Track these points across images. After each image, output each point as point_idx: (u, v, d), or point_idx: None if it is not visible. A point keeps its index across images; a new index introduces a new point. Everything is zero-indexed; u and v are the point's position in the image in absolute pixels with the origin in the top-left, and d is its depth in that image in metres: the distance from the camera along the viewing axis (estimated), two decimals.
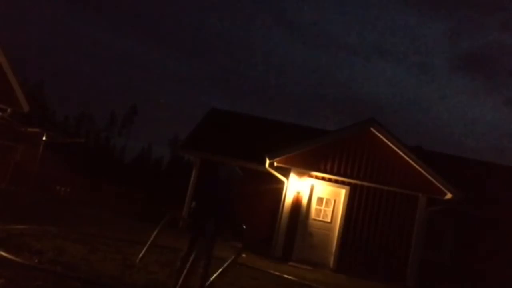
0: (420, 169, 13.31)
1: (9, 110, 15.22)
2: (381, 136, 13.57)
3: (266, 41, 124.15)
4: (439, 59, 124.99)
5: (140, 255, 7.01)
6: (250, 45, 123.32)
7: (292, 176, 13.68)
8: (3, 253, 6.10)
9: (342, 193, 13.66)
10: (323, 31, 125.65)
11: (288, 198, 13.62)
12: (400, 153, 13.44)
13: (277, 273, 9.78)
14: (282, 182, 14.06)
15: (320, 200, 13.82)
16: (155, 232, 6.99)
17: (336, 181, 13.71)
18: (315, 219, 13.58)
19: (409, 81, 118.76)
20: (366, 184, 13.56)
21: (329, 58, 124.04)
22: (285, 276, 9.70)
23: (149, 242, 7.04)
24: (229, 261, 6.39)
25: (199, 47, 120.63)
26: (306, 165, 13.62)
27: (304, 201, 13.54)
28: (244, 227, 6.43)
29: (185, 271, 5.59)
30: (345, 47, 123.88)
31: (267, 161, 13.66)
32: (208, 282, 6.10)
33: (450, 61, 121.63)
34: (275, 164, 13.66)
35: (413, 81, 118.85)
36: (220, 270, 6.28)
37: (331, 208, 13.74)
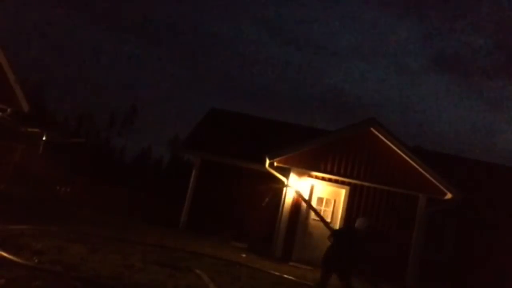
0: (420, 169, 13.30)
1: (9, 110, 15.18)
2: (381, 136, 13.57)
3: (257, 43, 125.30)
4: (415, 60, 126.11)
5: None
6: (245, 46, 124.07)
7: (292, 176, 13.67)
8: (3, 253, 6.10)
9: (342, 193, 13.66)
10: (306, 33, 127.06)
11: (288, 198, 13.62)
12: (400, 153, 13.44)
13: (277, 273, 9.78)
14: (282, 182, 14.05)
15: (320, 200, 13.82)
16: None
17: (336, 181, 13.71)
18: (315, 219, 13.55)
19: (387, 82, 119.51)
20: (366, 184, 13.55)
21: (313, 59, 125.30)
22: (285, 276, 9.70)
23: None
24: None
25: (199, 48, 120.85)
26: (306, 165, 13.62)
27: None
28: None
29: None
30: (326, 49, 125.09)
31: (267, 161, 13.66)
32: None
33: (427, 62, 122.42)
34: (275, 164, 13.66)
35: (392, 82, 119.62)
36: None
37: (331, 208, 13.74)
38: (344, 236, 7.22)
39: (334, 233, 7.54)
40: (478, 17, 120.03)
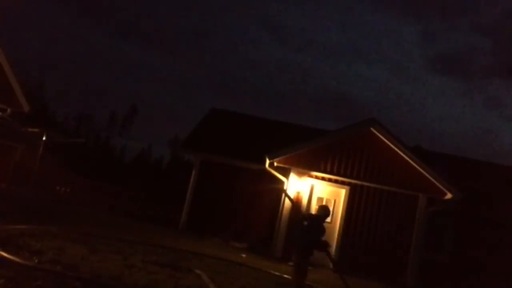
0: (420, 169, 13.30)
1: (9, 110, 15.19)
2: (381, 136, 13.57)
3: (257, 43, 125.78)
4: (415, 60, 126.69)
5: None
6: (245, 46, 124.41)
7: (292, 176, 13.67)
8: (3, 253, 6.10)
9: (342, 193, 13.66)
10: (305, 34, 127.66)
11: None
12: (400, 153, 13.44)
13: (277, 273, 9.77)
14: (282, 182, 14.05)
15: (320, 200, 13.81)
16: None
17: (336, 181, 13.71)
18: None
19: (387, 82, 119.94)
20: (366, 184, 13.55)
21: (313, 59, 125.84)
22: (285, 276, 9.69)
23: None
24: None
25: (199, 48, 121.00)
26: (306, 165, 13.62)
27: (304, 201, 13.54)
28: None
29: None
30: (324, 49, 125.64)
31: (267, 161, 13.65)
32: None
33: (426, 62, 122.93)
34: (275, 164, 13.65)
35: (391, 81, 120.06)
36: None
37: (331, 208, 13.72)
38: (312, 222, 8.01)
39: (307, 218, 8.40)
40: (477, 17, 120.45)
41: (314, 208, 13.73)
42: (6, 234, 7.65)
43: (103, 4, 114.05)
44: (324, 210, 8.18)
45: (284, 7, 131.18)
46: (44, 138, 19.51)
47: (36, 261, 6.26)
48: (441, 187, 13.20)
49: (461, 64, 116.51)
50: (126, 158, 66.46)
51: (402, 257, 13.21)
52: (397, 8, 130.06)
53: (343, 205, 13.54)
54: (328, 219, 13.52)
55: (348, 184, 13.62)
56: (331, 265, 10.59)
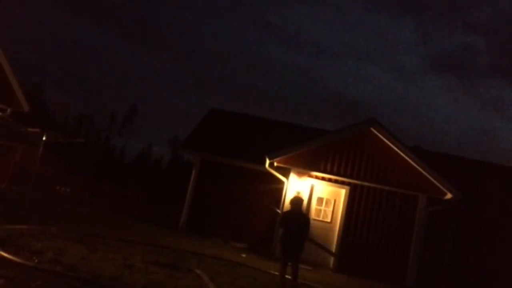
0: (420, 169, 13.30)
1: (9, 110, 15.16)
2: (381, 136, 13.56)
3: (257, 43, 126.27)
4: (412, 60, 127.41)
5: None
6: (245, 47, 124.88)
7: (292, 176, 13.67)
8: (3, 253, 6.10)
9: (342, 193, 13.66)
10: (305, 34, 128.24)
11: (288, 198, 13.58)
12: (400, 153, 13.43)
13: (277, 273, 9.76)
14: (282, 182, 14.05)
15: (320, 200, 13.82)
16: None
17: (336, 181, 13.71)
18: (315, 219, 13.56)
19: (387, 82, 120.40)
20: (366, 184, 13.55)
21: (313, 59, 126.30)
22: (285, 276, 9.68)
23: None
24: None
25: (199, 48, 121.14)
26: (306, 165, 13.61)
27: (304, 201, 13.52)
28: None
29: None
30: (324, 50, 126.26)
31: (267, 161, 13.65)
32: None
33: (424, 62, 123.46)
34: (275, 164, 13.65)
35: (391, 82, 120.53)
36: None
37: (331, 208, 13.74)
38: (290, 217, 8.22)
39: (282, 218, 8.54)
40: (474, 17, 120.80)
41: (314, 209, 13.76)
42: (6, 234, 7.66)
43: (104, 4, 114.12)
44: (294, 202, 8.35)
45: (284, 8, 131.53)
46: (44, 138, 19.45)
47: (36, 261, 6.27)
48: (441, 187, 13.19)
49: (458, 64, 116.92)
50: (126, 158, 66.48)
51: (402, 257, 13.20)
52: (396, 8, 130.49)
53: (343, 205, 13.53)
54: (328, 219, 13.65)
55: (348, 184, 13.62)
56: None
